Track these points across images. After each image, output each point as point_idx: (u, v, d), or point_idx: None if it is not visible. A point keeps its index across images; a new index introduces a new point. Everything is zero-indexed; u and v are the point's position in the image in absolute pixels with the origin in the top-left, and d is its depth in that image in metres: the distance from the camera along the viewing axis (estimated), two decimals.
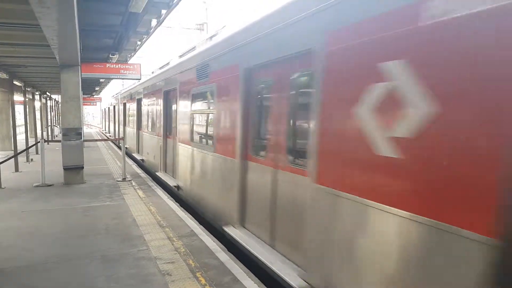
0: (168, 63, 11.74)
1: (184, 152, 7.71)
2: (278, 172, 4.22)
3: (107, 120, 32.96)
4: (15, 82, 14.27)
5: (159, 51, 48.45)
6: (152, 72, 14.76)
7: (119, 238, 5.12)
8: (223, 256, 4.47)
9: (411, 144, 2.36)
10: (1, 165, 8.65)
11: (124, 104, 18.14)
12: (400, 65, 2.46)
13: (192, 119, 7.22)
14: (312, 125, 3.39)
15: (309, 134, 3.46)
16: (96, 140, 18.85)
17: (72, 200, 7.40)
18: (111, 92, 35.05)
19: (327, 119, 3.19)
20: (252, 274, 3.97)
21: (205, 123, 6.60)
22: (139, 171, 11.29)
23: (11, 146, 12.79)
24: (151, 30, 9.32)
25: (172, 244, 4.86)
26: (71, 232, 5.39)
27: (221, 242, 5.02)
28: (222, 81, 5.57)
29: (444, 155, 2.14)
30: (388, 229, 2.53)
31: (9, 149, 15.38)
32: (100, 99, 37.16)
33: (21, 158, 11.75)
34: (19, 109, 20.12)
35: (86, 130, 39.20)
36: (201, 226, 5.68)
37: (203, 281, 3.78)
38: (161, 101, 9.81)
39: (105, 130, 34.16)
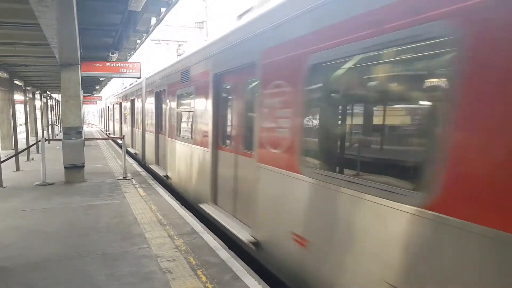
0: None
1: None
2: None
3: (106, 119, 33.00)
4: (15, 81, 14.28)
5: (159, 50, 48.23)
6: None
7: (120, 236, 5.14)
8: (224, 254, 4.49)
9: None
10: (2, 164, 8.68)
11: (132, 101, 15.68)
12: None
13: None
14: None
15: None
16: (97, 139, 18.87)
17: (73, 198, 7.42)
18: (111, 92, 35.05)
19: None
20: (253, 272, 3.99)
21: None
22: (139, 169, 11.31)
23: (12, 145, 12.79)
24: (151, 29, 9.31)
25: (173, 242, 4.88)
26: (72, 231, 5.41)
27: None
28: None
29: None
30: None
31: (10, 148, 15.39)
32: (100, 98, 37.14)
33: (22, 157, 11.77)
34: (19, 108, 20.08)
35: (86, 129, 39.24)
36: (202, 224, 5.70)
37: (204, 279, 3.80)
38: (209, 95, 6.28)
39: (105, 129, 34.55)
